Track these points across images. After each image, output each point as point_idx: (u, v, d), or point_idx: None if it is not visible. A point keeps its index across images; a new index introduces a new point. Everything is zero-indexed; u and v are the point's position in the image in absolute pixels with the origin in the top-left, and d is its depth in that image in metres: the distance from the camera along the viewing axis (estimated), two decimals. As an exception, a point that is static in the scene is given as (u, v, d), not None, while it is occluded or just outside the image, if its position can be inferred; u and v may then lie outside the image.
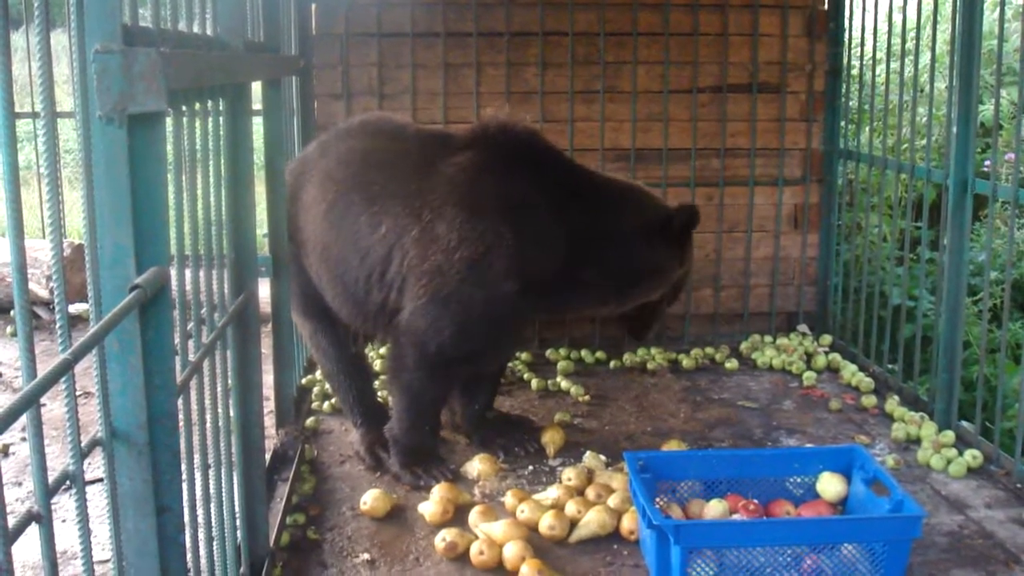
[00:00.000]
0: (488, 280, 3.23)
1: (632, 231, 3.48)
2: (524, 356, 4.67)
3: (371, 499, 3.18)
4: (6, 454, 3.80)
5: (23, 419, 1.24)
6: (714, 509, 2.95)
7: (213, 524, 2.16)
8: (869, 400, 4.18)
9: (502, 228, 3.24)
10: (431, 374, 3.35)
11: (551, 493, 3.22)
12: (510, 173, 3.38)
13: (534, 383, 4.36)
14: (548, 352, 4.74)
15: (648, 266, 3.54)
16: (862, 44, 4.71)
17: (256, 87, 3.06)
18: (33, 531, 1.31)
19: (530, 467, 3.56)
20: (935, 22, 4.21)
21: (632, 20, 4.78)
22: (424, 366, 3.33)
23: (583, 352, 4.75)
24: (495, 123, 3.49)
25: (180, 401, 1.80)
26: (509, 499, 3.20)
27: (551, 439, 3.66)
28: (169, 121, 1.80)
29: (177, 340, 1.82)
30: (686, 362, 4.67)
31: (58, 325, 1.41)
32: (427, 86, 4.78)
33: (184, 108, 1.94)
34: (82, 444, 1.46)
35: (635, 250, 3.48)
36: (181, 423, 1.81)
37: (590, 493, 3.21)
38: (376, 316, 3.41)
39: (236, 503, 2.41)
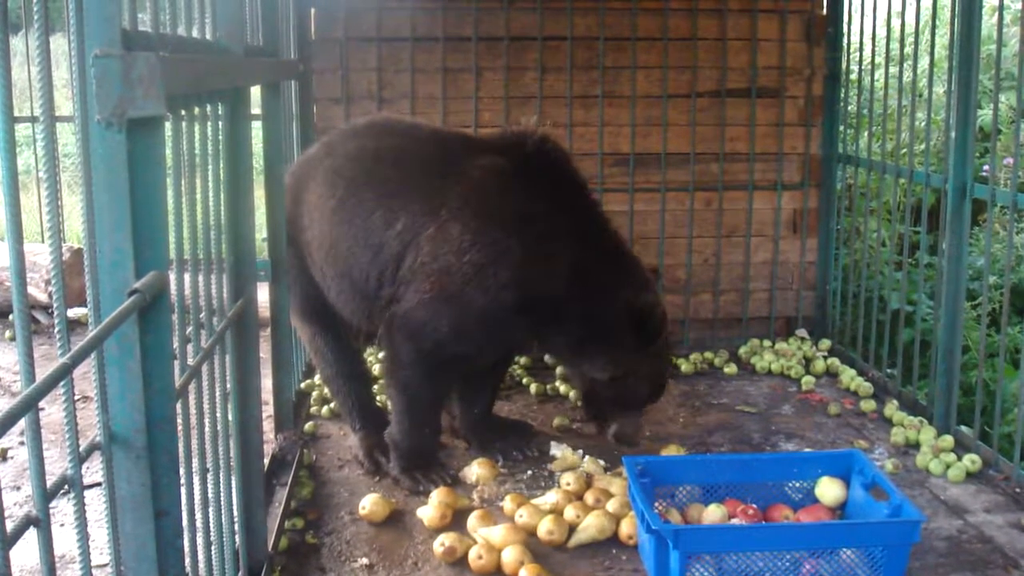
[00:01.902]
0: (490, 287, 3.23)
1: (609, 298, 3.37)
2: (523, 360, 4.66)
3: (370, 503, 3.18)
4: (4, 458, 3.80)
5: (22, 423, 1.24)
6: (713, 514, 2.95)
7: (211, 528, 2.16)
8: (868, 405, 4.18)
9: (512, 241, 3.24)
10: (426, 371, 3.35)
11: (550, 498, 3.21)
12: (536, 190, 3.34)
13: (533, 387, 4.36)
14: (547, 356, 4.74)
15: (609, 335, 3.39)
16: (861, 49, 4.72)
17: (255, 91, 3.07)
18: (31, 535, 1.31)
19: (529, 472, 3.56)
20: (934, 27, 4.22)
21: (631, 25, 4.79)
22: (419, 363, 3.33)
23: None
24: (535, 135, 3.43)
25: (179, 405, 1.79)
26: (508, 503, 3.20)
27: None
28: (168, 125, 1.81)
29: (176, 344, 1.82)
30: (685, 367, 4.67)
31: (57, 329, 1.41)
32: (426, 90, 4.79)
33: (183, 112, 1.94)
34: (80, 448, 1.46)
35: (608, 314, 3.37)
36: (180, 427, 1.81)
37: (589, 498, 3.21)
38: (383, 313, 3.41)
39: (235, 507, 2.40)
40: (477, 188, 3.32)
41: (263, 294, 2.86)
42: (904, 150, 4.26)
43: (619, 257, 3.49)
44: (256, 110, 3.18)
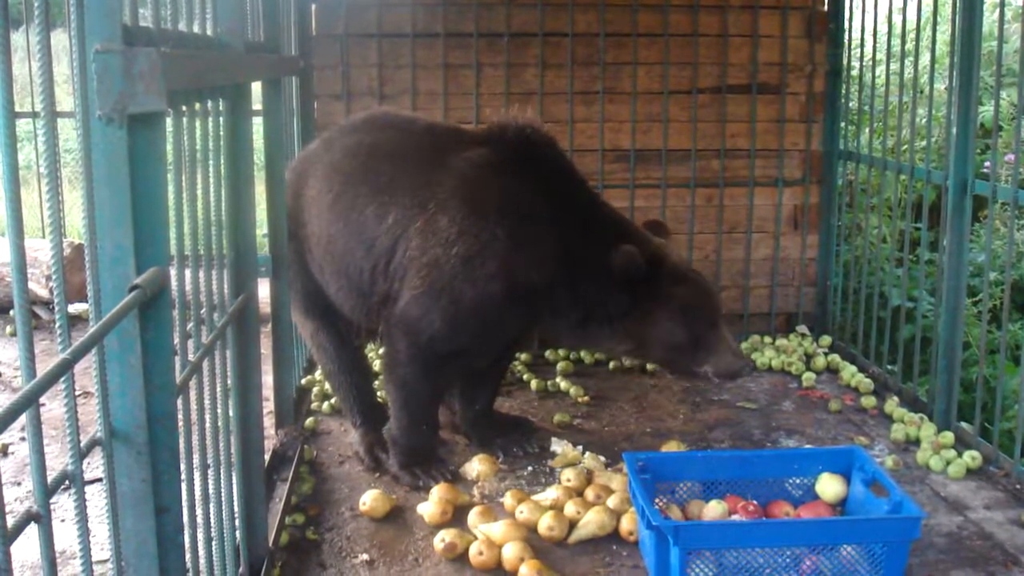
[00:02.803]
0: (478, 278, 3.23)
1: (598, 273, 3.27)
2: (524, 357, 4.67)
3: (370, 499, 3.18)
4: (5, 454, 3.80)
5: (22, 419, 1.24)
6: (713, 510, 2.95)
7: (212, 524, 2.16)
8: (868, 401, 4.18)
9: (498, 230, 3.24)
10: (424, 368, 3.35)
11: (550, 494, 3.22)
12: (519, 178, 3.34)
13: (534, 384, 4.36)
14: (547, 352, 4.74)
15: (606, 308, 3.33)
16: (862, 45, 4.71)
17: (256, 87, 3.06)
18: (32, 531, 1.31)
19: (529, 468, 3.56)
20: (935, 23, 4.21)
21: (632, 21, 4.78)
22: (417, 360, 3.33)
23: (582, 352, 4.75)
24: (515, 124, 3.42)
25: (179, 401, 1.79)
26: (508, 500, 3.20)
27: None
28: (169, 121, 1.80)
29: (177, 340, 1.82)
30: (686, 363, 4.66)
31: (58, 325, 1.41)
32: (427, 87, 4.78)
33: (184, 108, 1.94)
34: (81, 444, 1.46)
35: (603, 288, 3.30)
36: (180, 423, 1.81)
37: (589, 494, 3.21)
38: (379, 308, 3.41)
39: (235, 503, 2.41)
40: (463, 180, 3.32)
41: (264, 290, 2.86)
42: (905, 146, 4.26)
43: (609, 232, 3.36)
44: (257, 106, 3.18)
